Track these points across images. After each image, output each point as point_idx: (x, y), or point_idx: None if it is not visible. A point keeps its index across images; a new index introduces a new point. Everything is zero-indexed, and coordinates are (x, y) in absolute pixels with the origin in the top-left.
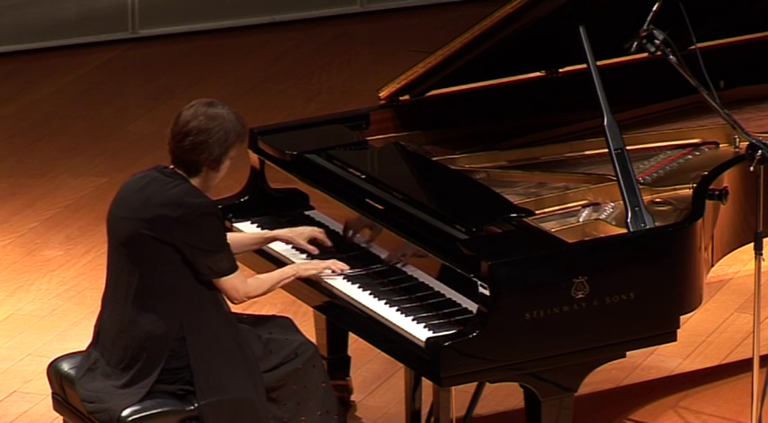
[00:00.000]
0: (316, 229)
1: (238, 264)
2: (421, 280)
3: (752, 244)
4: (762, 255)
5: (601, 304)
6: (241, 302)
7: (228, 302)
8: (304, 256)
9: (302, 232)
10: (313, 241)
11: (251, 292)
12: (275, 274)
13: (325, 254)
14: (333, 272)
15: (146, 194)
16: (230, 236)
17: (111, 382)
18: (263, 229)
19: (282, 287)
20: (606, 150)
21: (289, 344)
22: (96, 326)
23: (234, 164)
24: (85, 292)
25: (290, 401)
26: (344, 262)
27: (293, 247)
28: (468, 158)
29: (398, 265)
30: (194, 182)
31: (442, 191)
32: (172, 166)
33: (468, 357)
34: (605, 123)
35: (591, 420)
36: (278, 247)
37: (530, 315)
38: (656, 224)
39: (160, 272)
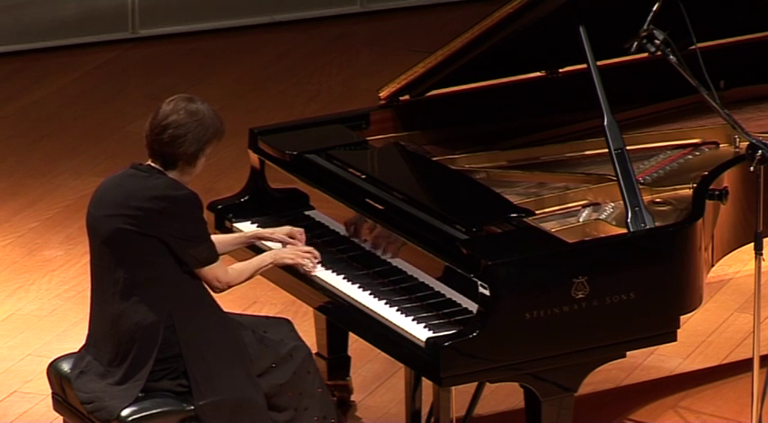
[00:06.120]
0: (295, 228)
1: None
2: (421, 280)
3: (752, 244)
4: (762, 255)
5: (601, 304)
6: (222, 292)
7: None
8: None
9: (281, 231)
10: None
11: (232, 281)
12: (254, 261)
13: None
14: (311, 262)
15: (125, 191)
16: (212, 238)
17: (107, 380)
18: (263, 229)
19: (282, 287)
20: (606, 150)
21: (284, 345)
22: (88, 329)
23: (233, 164)
24: (85, 292)
25: (288, 409)
26: (344, 262)
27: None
28: (468, 158)
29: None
30: (171, 176)
31: (442, 191)
32: (148, 162)
33: (468, 357)
34: (605, 123)
35: (591, 420)
36: (270, 243)
37: (530, 315)
38: (656, 224)
39: (145, 265)
